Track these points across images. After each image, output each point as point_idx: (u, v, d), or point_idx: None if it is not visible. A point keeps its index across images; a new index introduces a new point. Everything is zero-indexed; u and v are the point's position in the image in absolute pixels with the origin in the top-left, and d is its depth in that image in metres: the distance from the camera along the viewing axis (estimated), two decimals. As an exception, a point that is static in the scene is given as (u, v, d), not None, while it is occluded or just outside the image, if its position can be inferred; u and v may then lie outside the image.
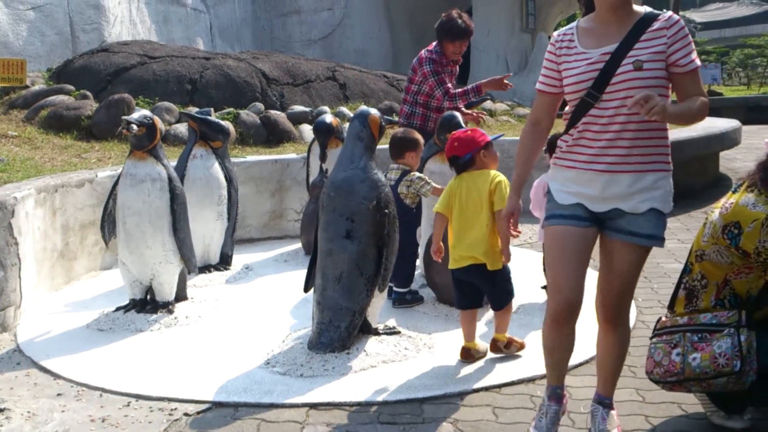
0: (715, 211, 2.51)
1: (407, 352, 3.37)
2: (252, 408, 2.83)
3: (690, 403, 2.74)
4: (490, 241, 3.19)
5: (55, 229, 4.59)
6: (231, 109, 7.47)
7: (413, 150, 4.21)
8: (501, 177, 3.28)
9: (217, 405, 2.87)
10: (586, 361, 3.22)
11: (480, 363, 3.24)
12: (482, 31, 13.81)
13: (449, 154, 3.38)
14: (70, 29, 10.38)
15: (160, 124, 4.03)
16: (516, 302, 4.09)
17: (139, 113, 3.92)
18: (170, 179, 3.91)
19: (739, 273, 2.44)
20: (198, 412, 2.81)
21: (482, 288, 3.34)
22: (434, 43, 4.80)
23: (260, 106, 7.77)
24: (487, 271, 3.21)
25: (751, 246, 2.33)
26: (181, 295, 4.13)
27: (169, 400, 2.92)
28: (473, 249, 3.20)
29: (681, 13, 30.16)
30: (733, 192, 2.50)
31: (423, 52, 4.82)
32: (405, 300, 4.12)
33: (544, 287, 4.22)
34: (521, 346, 3.36)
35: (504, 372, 3.13)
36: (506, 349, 3.32)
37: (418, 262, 4.58)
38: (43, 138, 6.47)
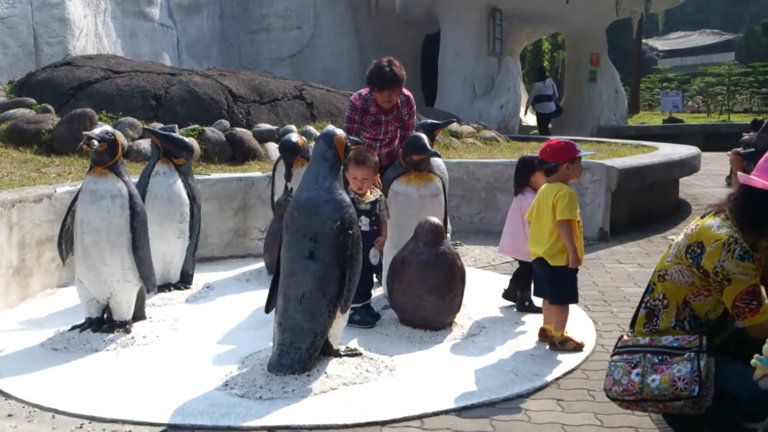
0: (681, 234, 2.57)
1: (368, 375, 3.35)
2: (208, 431, 2.78)
3: (647, 428, 2.77)
4: (551, 242, 3.66)
5: (11, 245, 4.48)
6: (196, 126, 7.41)
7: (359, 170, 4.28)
8: (566, 190, 3.64)
9: (172, 428, 2.81)
10: (547, 385, 3.24)
11: (440, 386, 3.23)
12: (450, 55, 13.98)
13: (540, 157, 3.78)
14: (33, 42, 10.25)
15: (122, 140, 3.97)
16: (479, 324, 4.11)
17: (101, 128, 3.86)
18: (131, 196, 3.85)
19: (698, 295, 2.48)
20: (152, 436, 2.75)
21: (543, 280, 3.80)
22: (367, 87, 4.71)
23: (226, 123, 7.73)
24: (548, 266, 3.68)
25: (710, 265, 2.38)
26: (139, 315, 4.05)
27: (124, 422, 2.85)
28: (538, 246, 3.73)
29: (644, 40, 30.96)
30: (702, 218, 2.55)
31: (355, 95, 4.78)
32: (352, 320, 4.05)
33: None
34: (578, 347, 3.67)
35: (465, 395, 3.12)
36: (561, 345, 3.66)
37: (382, 284, 4.57)
38: (2, 152, 6.34)
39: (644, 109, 27.90)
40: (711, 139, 16.35)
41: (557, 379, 3.32)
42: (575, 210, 3.63)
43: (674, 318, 2.52)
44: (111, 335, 3.81)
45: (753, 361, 2.16)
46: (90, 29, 11.08)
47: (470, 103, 13.70)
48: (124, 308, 3.90)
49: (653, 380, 2.41)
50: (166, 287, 4.78)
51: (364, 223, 4.09)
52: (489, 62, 14.28)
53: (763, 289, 2.39)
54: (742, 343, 2.51)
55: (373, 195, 4.18)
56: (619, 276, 5.31)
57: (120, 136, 3.93)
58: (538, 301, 4.37)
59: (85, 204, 3.80)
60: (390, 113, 4.78)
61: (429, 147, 4.38)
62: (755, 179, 2.44)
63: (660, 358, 2.45)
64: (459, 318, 4.13)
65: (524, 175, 4.45)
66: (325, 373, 3.29)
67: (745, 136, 10.96)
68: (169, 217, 4.72)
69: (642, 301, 2.66)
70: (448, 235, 5.03)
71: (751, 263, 2.37)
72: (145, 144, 6.83)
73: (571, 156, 3.65)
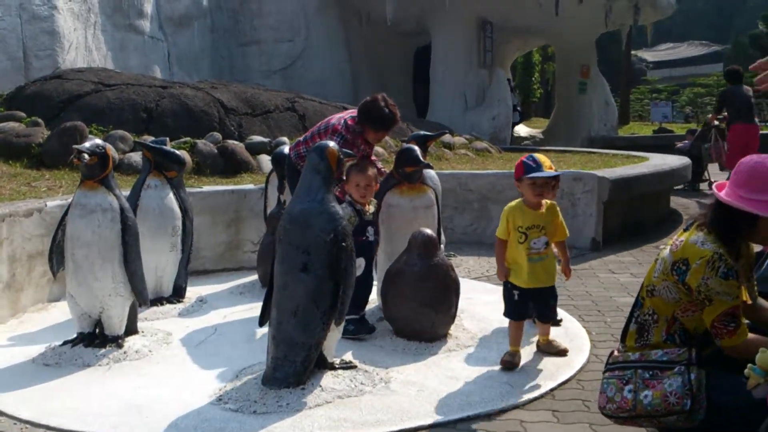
0: (667, 247, 2.56)
1: (363, 387, 3.33)
2: (202, 446, 2.75)
3: (643, 437, 2.76)
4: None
5: (1, 259, 4.44)
6: (188, 139, 7.40)
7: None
8: (506, 208, 3.67)
9: (165, 444, 2.78)
10: (542, 396, 3.23)
11: (435, 398, 3.21)
12: (441, 67, 14.06)
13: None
14: (23, 55, 10.22)
15: (112, 153, 3.95)
16: (474, 336, 4.10)
17: (91, 142, 3.83)
18: (122, 210, 3.83)
19: (686, 310, 2.48)
20: (145, 452, 2.72)
21: None
22: (356, 120, 4.46)
23: (218, 135, 7.72)
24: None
25: (694, 282, 2.38)
26: (131, 329, 4.01)
27: (116, 438, 2.82)
28: None
29: (633, 52, 31.21)
30: (685, 230, 2.55)
31: (340, 122, 4.48)
32: (346, 330, 4.03)
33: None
34: (560, 352, 3.77)
35: (461, 406, 3.11)
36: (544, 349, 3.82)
37: (375, 294, 4.56)
38: (-8, 165, 6.31)
39: (634, 120, 28.09)
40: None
41: (552, 390, 3.31)
42: (502, 227, 3.61)
43: (665, 332, 2.52)
44: (103, 350, 3.78)
45: (746, 371, 2.16)
46: (80, 42, 11.06)
47: (462, 114, 13.76)
48: (116, 323, 3.86)
49: (645, 396, 2.40)
50: (158, 301, 4.74)
51: (370, 233, 4.10)
52: (480, 74, 14.36)
53: (740, 312, 2.39)
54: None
55: (372, 206, 4.20)
56: (612, 286, 5.32)
57: (111, 150, 3.91)
58: (559, 313, 4.39)
59: (76, 218, 3.77)
60: (371, 146, 4.68)
61: (422, 158, 4.38)
62: (720, 194, 2.45)
63: (651, 373, 2.44)
64: (453, 329, 4.12)
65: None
66: (320, 386, 3.27)
67: (679, 144, 11.53)
68: (161, 230, 4.69)
69: (632, 315, 2.65)
70: (442, 246, 5.03)
71: (735, 281, 2.36)
72: (136, 157, 6.81)
73: (517, 176, 3.61)
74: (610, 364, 2.60)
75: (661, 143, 16.21)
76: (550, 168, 3.54)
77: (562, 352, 3.77)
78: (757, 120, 9.97)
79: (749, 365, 2.17)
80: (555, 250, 3.76)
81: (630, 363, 2.51)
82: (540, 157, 3.56)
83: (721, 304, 2.35)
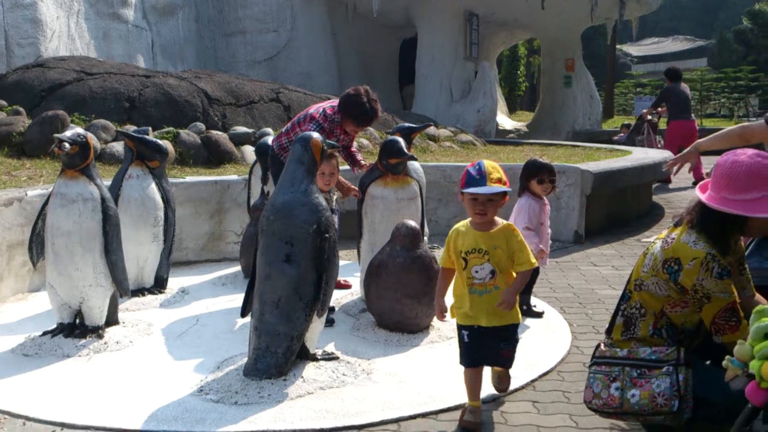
0: (657, 243, 2.55)
1: (345, 378, 3.33)
2: (183, 437, 2.74)
3: (623, 429, 2.78)
4: None
5: (-20, 249, 4.39)
6: (171, 129, 7.34)
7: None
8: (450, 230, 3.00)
9: (145, 434, 2.77)
10: (522, 387, 3.25)
11: (418, 389, 3.22)
12: (427, 59, 14.03)
13: None
14: (4, 43, 10.09)
15: (94, 143, 3.91)
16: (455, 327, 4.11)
17: (72, 131, 3.80)
18: (103, 199, 3.80)
19: (675, 306, 2.50)
20: (125, 442, 2.71)
21: None
22: (336, 110, 4.45)
23: (201, 126, 7.67)
24: None
25: (689, 283, 2.39)
26: (111, 320, 3.99)
27: (96, 428, 2.80)
28: None
29: (618, 46, 31.33)
30: (675, 226, 2.56)
31: (318, 111, 4.47)
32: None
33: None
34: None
35: (442, 397, 3.12)
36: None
37: (358, 286, 4.56)
38: (-29, 154, 6.23)
39: (618, 114, 28.18)
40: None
41: (533, 381, 3.33)
42: (444, 253, 2.98)
43: (652, 326, 2.53)
44: (83, 341, 3.75)
45: (724, 362, 2.18)
46: (62, 31, 10.93)
47: (447, 107, 13.76)
48: (97, 313, 3.84)
49: (633, 395, 2.42)
50: (140, 292, 4.72)
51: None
52: (466, 66, 14.36)
53: (738, 307, 2.41)
54: (717, 346, 2.52)
55: (334, 194, 4.27)
56: (594, 278, 5.35)
57: (92, 139, 3.87)
58: (540, 306, 4.46)
59: (57, 207, 3.73)
60: (346, 136, 4.68)
61: (406, 150, 4.38)
62: (705, 199, 2.46)
63: (639, 371, 2.45)
64: (436, 321, 4.13)
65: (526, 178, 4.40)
66: (302, 377, 3.27)
67: (615, 137, 12.43)
68: (142, 220, 4.66)
69: (618, 308, 2.66)
70: (426, 238, 5.04)
71: (729, 280, 2.38)
72: (118, 147, 6.75)
73: (461, 186, 2.87)
74: (596, 357, 2.61)
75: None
76: (499, 181, 2.78)
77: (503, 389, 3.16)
78: (693, 116, 10.70)
79: (727, 357, 2.19)
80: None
81: (618, 359, 2.53)
82: (488, 166, 2.81)
83: (719, 301, 2.37)
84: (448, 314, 3.03)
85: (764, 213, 2.35)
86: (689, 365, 2.41)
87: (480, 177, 2.77)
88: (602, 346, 2.64)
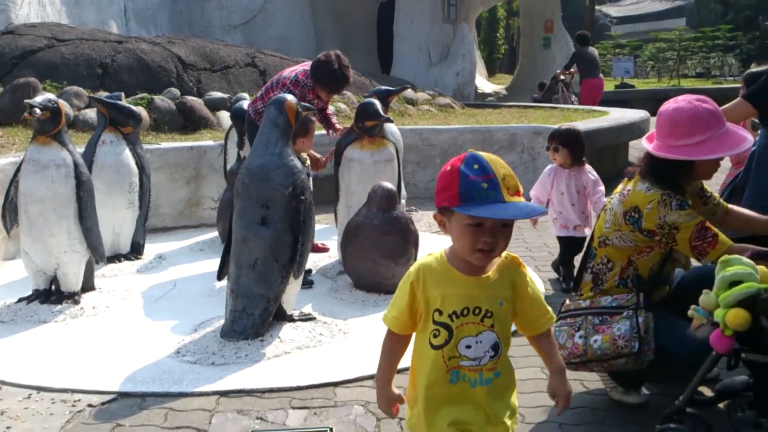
0: (614, 197, 2.61)
1: (322, 338, 3.37)
2: (160, 397, 2.77)
3: (591, 380, 2.85)
4: None
5: (-48, 218, 4.34)
6: (144, 95, 7.24)
7: (303, 136, 4.39)
8: (409, 271, 1.78)
9: (122, 395, 2.79)
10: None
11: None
12: (405, 21, 13.88)
13: None
14: (-28, 9, 9.82)
15: (65, 108, 3.86)
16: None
17: (43, 97, 3.76)
18: (76, 165, 3.76)
19: (641, 252, 2.54)
20: (102, 403, 2.72)
21: None
22: (309, 75, 4.43)
23: (176, 91, 7.56)
24: None
25: (653, 224, 2.43)
26: (87, 285, 3.98)
27: (72, 391, 2.82)
28: None
29: (597, 7, 31.18)
30: (629, 179, 2.60)
31: (290, 78, 4.44)
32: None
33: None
34: None
35: (417, 355, 3.16)
36: None
37: (335, 249, 4.58)
38: (-59, 123, 6.11)
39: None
40: (661, 103, 16.60)
41: (507, 337, 3.37)
42: (398, 307, 1.77)
43: (618, 277, 2.58)
44: (59, 306, 3.75)
45: (690, 311, 2.23)
46: (32, -4, 10.65)
47: (426, 70, 13.67)
48: (72, 279, 3.83)
49: (595, 341, 2.47)
50: (116, 258, 4.70)
51: None
52: (444, 29, 14.24)
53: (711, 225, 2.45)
54: (682, 300, 2.58)
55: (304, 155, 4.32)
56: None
57: (63, 105, 3.82)
58: None
59: (29, 174, 3.70)
60: (320, 102, 4.66)
61: (382, 112, 4.37)
62: (651, 148, 2.51)
63: (600, 318, 2.51)
64: (413, 280, 4.16)
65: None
66: (279, 337, 3.30)
67: (534, 95, 13.44)
68: (117, 186, 4.62)
69: (585, 265, 2.70)
70: (403, 201, 5.06)
71: (690, 209, 2.43)
72: (91, 114, 6.65)
73: (443, 201, 1.68)
74: (561, 312, 2.66)
75: (623, 98, 16.35)
76: (518, 192, 1.60)
77: None
78: (601, 75, 12.46)
79: (692, 306, 2.24)
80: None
81: (581, 310, 2.58)
82: (496, 164, 1.61)
83: (688, 225, 2.40)
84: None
85: (706, 155, 2.41)
86: (648, 309, 2.46)
87: (490, 185, 1.57)
88: (567, 301, 2.69)
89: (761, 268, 2.16)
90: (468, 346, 1.67)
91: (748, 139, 2.45)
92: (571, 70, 12.31)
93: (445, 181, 1.65)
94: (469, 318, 1.66)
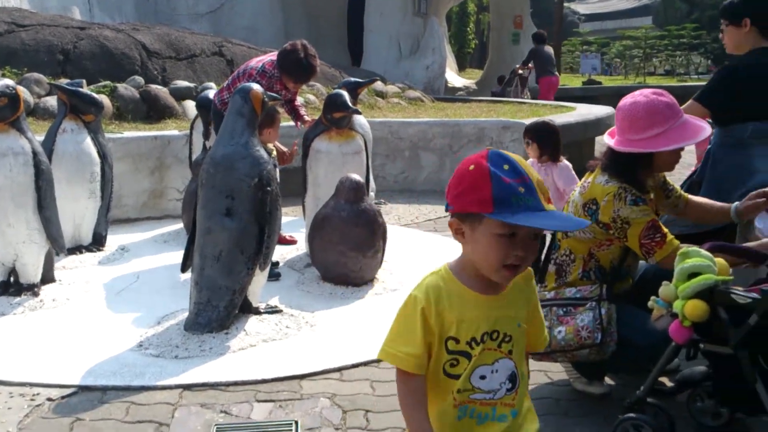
0: (576, 190, 2.63)
1: (288, 330, 3.33)
2: (121, 391, 2.71)
3: (555, 371, 2.87)
4: None
5: None
6: (107, 83, 7.08)
7: (270, 126, 4.38)
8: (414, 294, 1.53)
9: (83, 389, 2.73)
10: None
11: (360, 339, 3.25)
12: (375, 14, 13.82)
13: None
14: (-73, -8, 9.53)
15: (24, 95, 3.76)
16: (400, 280, 4.14)
17: (1, 83, 3.66)
18: (35, 153, 3.67)
19: (601, 245, 2.57)
20: (62, 397, 2.66)
21: None
22: (275, 65, 4.42)
23: (140, 80, 7.42)
24: None
25: (607, 217, 2.46)
26: (47, 277, 3.89)
27: (31, 385, 2.75)
28: None
29: (566, 4, 31.44)
30: (591, 172, 2.63)
31: (257, 68, 4.43)
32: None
33: None
34: None
35: (384, 348, 3.15)
36: None
37: (303, 241, 4.54)
38: None
39: (565, 72, 28.41)
40: (627, 100, 16.85)
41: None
42: (409, 344, 1.49)
43: (581, 270, 2.61)
44: (18, 298, 3.66)
45: (650, 303, 2.25)
46: (-9, -20, 10.36)
47: (396, 63, 13.64)
48: (31, 271, 3.73)
49: (559, 332, 2.49)
50: (77, 249, 4.60)
51: None
52: (415, 22, 14.21)
53: (660, 225, 2.49)
54: (645, 292, 2.61)
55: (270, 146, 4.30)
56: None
57: (22, 91, 3.73)
58: None
59: (-15, 162, 3.59)
60: (287, 93, 4.64)
61: (350, 104, 4.34)
62: (610, 141, 2.55)
63: (564, 310, 2.53)
64: (380, 273, 4.15)
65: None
66: (245, 330, 3.26)
67: (493, 89, 14.04)
68: (78, 176, 4.52)
69: (548, 257, 2.72)
70: (372, 193, 5.04)
71: (645, 205, 2.47)
72: (52, 101, 6.48)
73: (465, 205, 1.43)
74: None
75: (590, 94, 16.52)
76: (548, 198, 1.42)
77: None
78: (556, 72, 13.34)
79: (653, 297, 2.26)
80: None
81: (545, 301, 2.59)
82: (527, 167, 1.43)
83: (639, 222, 2.43)
84: None
85: (665, 146, 2.44)
86: (611, 301, 2.48)
87: (527, 190, 1.38)
88: None
89: (719, 260, 2.19)
90: (482, 377, 1.45)
91: (706, 128, 2.49)
92: (529, 65, 12.80)
93: (469, 182, 1.39)
94: (487, 344, 1.45)
